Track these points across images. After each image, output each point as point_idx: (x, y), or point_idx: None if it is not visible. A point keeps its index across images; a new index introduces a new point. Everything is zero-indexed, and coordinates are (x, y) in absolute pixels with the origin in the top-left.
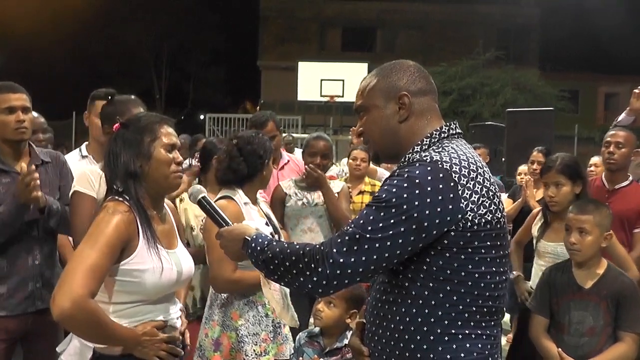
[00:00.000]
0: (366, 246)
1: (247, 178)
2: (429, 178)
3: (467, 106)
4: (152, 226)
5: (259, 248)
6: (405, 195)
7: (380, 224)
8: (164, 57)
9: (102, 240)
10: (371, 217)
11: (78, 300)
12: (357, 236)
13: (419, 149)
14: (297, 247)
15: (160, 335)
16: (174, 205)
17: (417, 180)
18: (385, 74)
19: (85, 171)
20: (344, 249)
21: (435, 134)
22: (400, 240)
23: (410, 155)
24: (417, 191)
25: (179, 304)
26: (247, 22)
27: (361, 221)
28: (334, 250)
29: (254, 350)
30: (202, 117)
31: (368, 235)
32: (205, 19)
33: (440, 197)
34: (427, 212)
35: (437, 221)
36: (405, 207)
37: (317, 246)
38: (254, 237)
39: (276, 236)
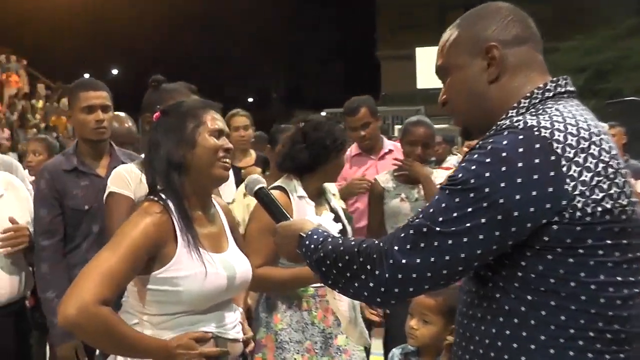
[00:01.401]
0: (435, 243)
1: (308, 168)
2: (520, 150)
3: (605, 83)
4: (192, 228)
5: (312, 246)
6: (487, 175)
7: (455, 214)
8: (279, 55)
9: (125, 244)
10: (443, 205)
11: (85, 307)
12: (425, 229)
13: (513, 113)
14: (353, 243)
15: (198, 348)
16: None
17: (503, 154)
18: (468, 24)
19: (120, 170)
20: (408, 247)
21: (537, 94)
22: (480, 236)
23: (500, 122)
24: (502, 168)
25: (238, 311)
26: (363, 12)
27: (431, 210)
28: (395, 247)
29: (295, 359)
30: (323, 114)
31: (438, 229)
32: (319, 15)
33: (535, 176)
34: (517, 196)
35: (531, 209)
36: (487, 190)
37: (377, 242)
38: (309, 233)
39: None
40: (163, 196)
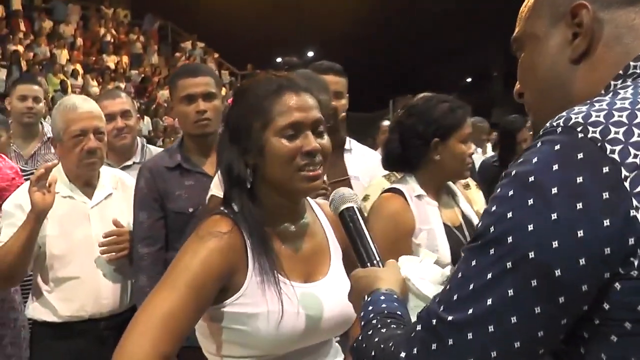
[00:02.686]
0: (450, 341)
1: (409, 164)
2: (555, 168)
3: None
4: (269, 250)
5: (362, 322)
6: (508, 216)
7: (471, 286)
8: (502, 29)
9: (184, 279)
10: (459, 275)
11: None
12: (434, 322)
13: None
14: (388, 334)
15: None
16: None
17: (530, 179)
18: None
19: None
20: (414, 352)
21: (633, 67)
22: (513, 319)
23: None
24: (530, 201)
25: (340, 355)
26: None
27: (447, 287)
28: (402, 354)
29: None
30: None
31: (450, 317)
32: None
33: (579, 205)
34: (554, 244)
35: (581, 262)
36: (509, 240)
37: (400, 336)
38: (370, 300)
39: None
40: (236, 208)
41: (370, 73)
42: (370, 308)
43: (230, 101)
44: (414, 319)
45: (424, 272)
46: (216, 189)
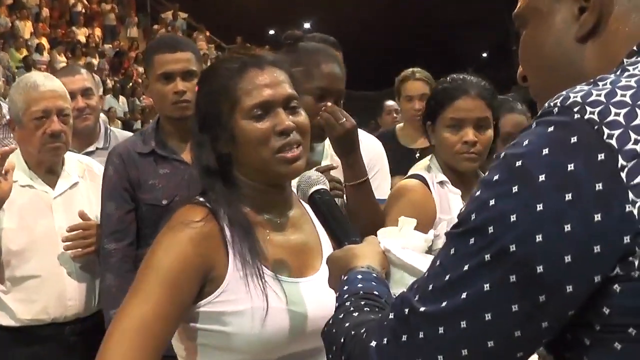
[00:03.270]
0: (421, 334)
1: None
2: (545, 152)
3: None
4: (252, 239)
5: (337, 304)
6: (491, 203)
7: (447, 277)
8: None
9: (157, 279)
10: (437, 263)
11: None
12: (407, 311)
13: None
14: (360, 319)
15: None
16: None
17: (517, 164)
18: None
19: None
20: (384, 341)
21: None
22: (488, 315)
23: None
24: (514, 189)
25: None
26: None
27: (426, 274)
28: (372, 343)
29: None
30: None
31: (423, 309)
32: None
33: (569, 196)
34: (537, 238)
35: (566, 260)
36: (490, 230)
37: (372, 325)
38: (346, 279)
39: None
40: (213, 196)
41: (375, 47)
42: (346, 288)
43: (196, 87)
44: (398, 291)
45: (405, 241)
46: None
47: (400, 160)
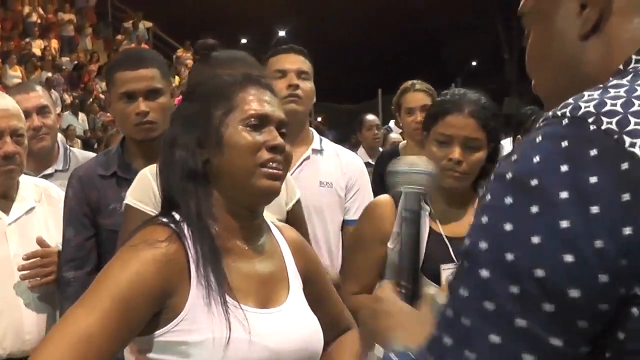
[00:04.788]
0: None
1: None
2: (565, 168)
3: None
4: (217, 264)
5: None
6: (508, 228)
7: (450, 313)
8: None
9: (109, 293)
10: (448, 311)
11: None
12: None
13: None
14: None
15: None
16: None
17: (532, 182)
18: None
19: (145, 173)
20: None
21: None
22: (531, 352)
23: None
24: (534, 209)
25: None
26: None
27: (436, 324)
28: None
29: None
30: None
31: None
32: None
33: (596, 210)
34: (566, 259)
35: (602, 279)
36: (511, 259)
37: None
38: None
39: None
40: (177, 217)
41: (355, 57)
42: None
43: (177, 100)
44: None
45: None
46: (132, 197)
47: None
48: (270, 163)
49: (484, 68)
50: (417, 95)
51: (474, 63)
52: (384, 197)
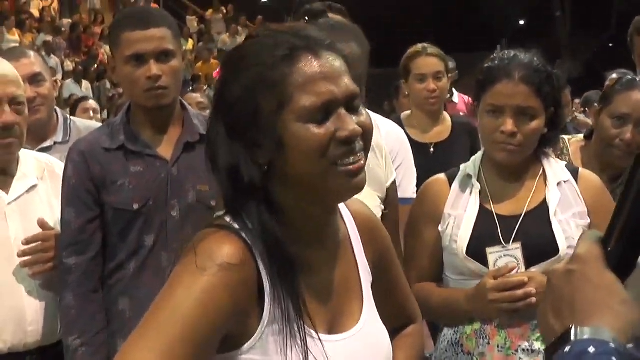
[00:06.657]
0: None
1: None
2: None
3: None
4: (297, 291)
5: None
6: None
7: None
8: None
9: (174, 328)
10: None
11: None
12: None
13: None
14: None
15: None
16: None
17: None
18: None
19: None
20: None
21: None
22: None
23: None
24: None
25: None
26: None
27: None
28: None
29: None
30: None
31: None
32: None
33: None
34: None
35: None
36: None
37: None
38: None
39: None
40: (249, 223)
41: (390, 14)
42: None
43: (216, 74)
44: None
45: None
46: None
47: None
48: (346, 158)
49: (532, 27)
50: (430, 60)
51: (521, 22)
52: (439, 177)
